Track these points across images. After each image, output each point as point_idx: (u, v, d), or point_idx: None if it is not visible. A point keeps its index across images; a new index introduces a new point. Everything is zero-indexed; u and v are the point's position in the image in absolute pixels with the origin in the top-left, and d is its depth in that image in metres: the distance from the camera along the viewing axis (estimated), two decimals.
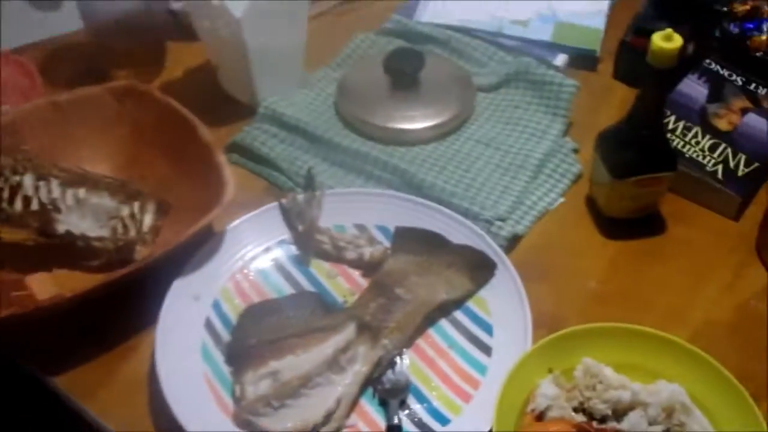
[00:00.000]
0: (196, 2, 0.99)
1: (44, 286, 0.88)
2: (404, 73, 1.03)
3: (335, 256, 0.88)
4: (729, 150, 0.94)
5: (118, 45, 1.11)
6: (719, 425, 0.70)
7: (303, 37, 1.05)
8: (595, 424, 0.70)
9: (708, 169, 0.92)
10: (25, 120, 0.96)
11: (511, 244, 0.89)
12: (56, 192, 0.91)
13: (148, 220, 0.92)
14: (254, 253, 0.88)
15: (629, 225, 0.91)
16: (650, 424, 0.69)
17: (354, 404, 0.75)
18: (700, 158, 0.93)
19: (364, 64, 1.10)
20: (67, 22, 1.16)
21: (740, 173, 0.92)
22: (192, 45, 1.09)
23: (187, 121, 0.94)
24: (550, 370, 0.74)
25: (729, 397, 0.70)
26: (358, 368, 0.76)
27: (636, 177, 0.85)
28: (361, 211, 0.91)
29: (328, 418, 0.73)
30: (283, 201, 0.91)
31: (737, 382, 0.70)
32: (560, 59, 1.11)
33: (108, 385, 0.79)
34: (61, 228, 0.89)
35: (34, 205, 0.89)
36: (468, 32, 1.14)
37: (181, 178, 0.93)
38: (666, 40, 0.77)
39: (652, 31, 0.79)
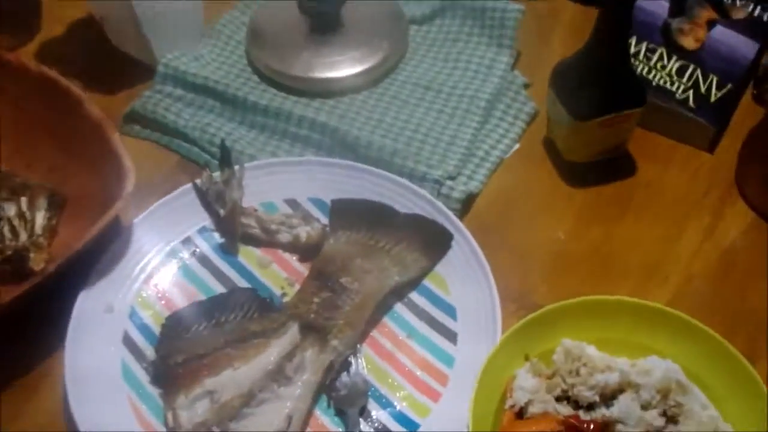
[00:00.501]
0: None
1: None
2: (323, 12, 0.93)
3: (266, 241, 0.80)
4: (698, 72, 0.87)
5: None
6: (720, 401, 0.65)
7: None
8: (581, 413, 0.65)
9: (678, 97, 0.86)
10: None
11: (466, 205, 0.82)
12: None
13: (40, 218, 0.82)
14: (171, 247, 0.79)
15: (595, 169, 0.85)
16: (644, 407, 0.64)
17: (307, 419, 0.69)
18: (668, 85, 0.86)
19: (276, 3, 0.99)
20: None
21: (713, 98, 0.86)
22: None
23: (70, 94, 0.83)
24: (527, 357, 0.68)
25: (727, 368, 0.65)
26: (308, 377, 0.69)
27: (601, 117, 0.78)
28: (290, 183, 0.82)
29: None
30: (198, 181, 0.81)
31: (735, 350, 0.65)
32: None
33: (19, 424, 0.70)
34: None
35: None
36: None
37: (74, 165, 0.83)
38: None
39: None
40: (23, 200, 0.82)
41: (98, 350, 0.72)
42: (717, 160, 0.86)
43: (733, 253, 0.79)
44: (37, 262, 0.78)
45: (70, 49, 1.01)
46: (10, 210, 0.82)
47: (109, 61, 0.97)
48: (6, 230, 0.81)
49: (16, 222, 0.81)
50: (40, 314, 0.73)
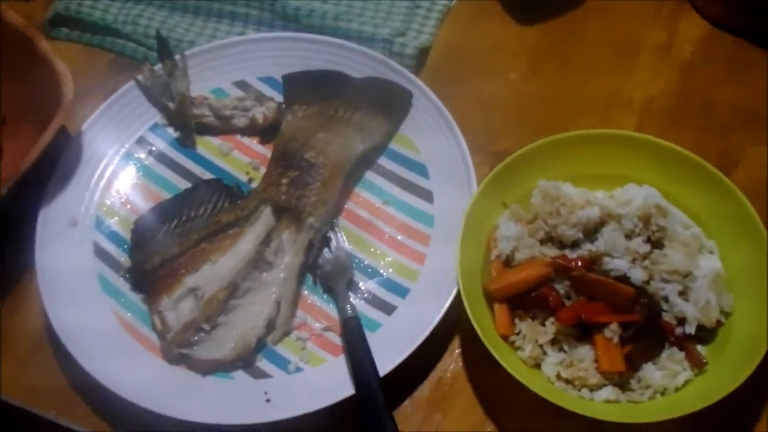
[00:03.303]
0: None
1: None
2: None
3: (223, 128, 0.71)
4: None
5: None
6: (698, 217, 0.60)
7: None
8: (567, 252, 0.60)
9: None
10: None
11: (420, 60, 0.73)
12: None
13: None
14: (126, 150, 0.71)
15: (543, 2, 0.76)
16: (627, 236, 0.59)
17: (296, 300, 0.62)
18: None
19: None
20: None
21: None
22: None
23: None
24: (505, 205, 0.62)
25: (702, 184, 0.60)
26: (289, 259, 0.62)
27: None
28: (237, 65, 0.74)
29: (270, 325, 0.61)
30: (140, 78, 0.71)
31: (707, 163, 0.59)
32: None
33: (3, 354, 0.63)
34: None
35: None
36: None
37: (5, 81, 0.72)
38: None
39: None
40: None
41: (71, 266, 0.64)
42: None
43: (693, 67, 0.73)
44: None
45: None
46: None
47: None
48: None
49: None
50: (3, 242, 0.65)
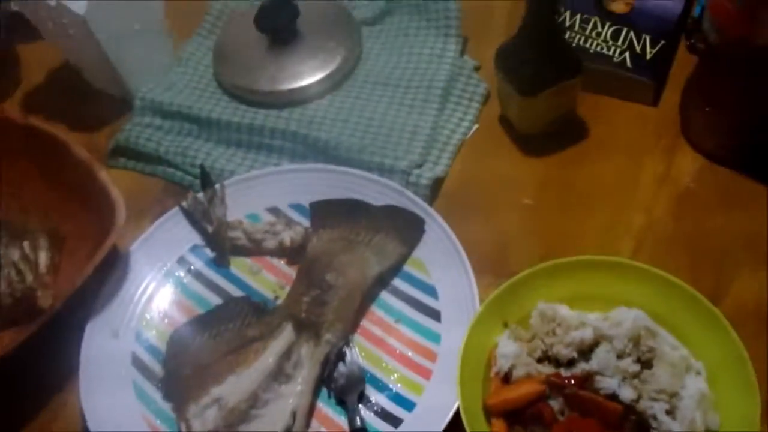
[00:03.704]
0: (32, 3, 0.83)
1: None
2: (279, 27, 0.90)
3: (254, 249, 0.78)
4: (632, 33, 0.85)
5: None
6: (686, 338, 0.63)
7: (161, 12, 0.91)
8: (562, 370, 0.63)
9: (615, 60, 0.83)
10: None
11: (434, 190, 0.80)
12: None
13: (43, 258, 0.80)
14: (167, 268, 0.77)
15: (550, 137, 0.82)
16: (619, 356, 0.62)
17: (311, 412, 0.67)
18: (605, 50, 0.84)
19: (235, 24, 0.96)
20: None
21: (648, 56, 0.83)
22: (49, 44, 0.93)
23: (57, 141, 0.81)
24: (506, 324, 0.66)
25: (690, 308, 0.64)
26: (306, 372, 0.67)
27: (545, 90, 0.76)
28: (270, 193, 0.80)
29: None
30: (184, 204, 0.79)
31: (694, 291, 0.63)
32: None
33: None
34: None
35: None
36: None
37: (67, 204, 0.81)
38: None
39: None
40: (25, 243, 0.80)
41: (110, 375, 0.70)
42: (661, 112, 0.83)
43: (689, 196, 0.77)
44: (44, 299, 0.76)
45: (52, 95, 0.98)
46: (14, 255, 0.80)
47: (90, 100, 0.95)
48: (13, 274, 0.79)
49: (21, 265, 0.79)
50: (51, 349, 0.71)
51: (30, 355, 0.69)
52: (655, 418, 0.59)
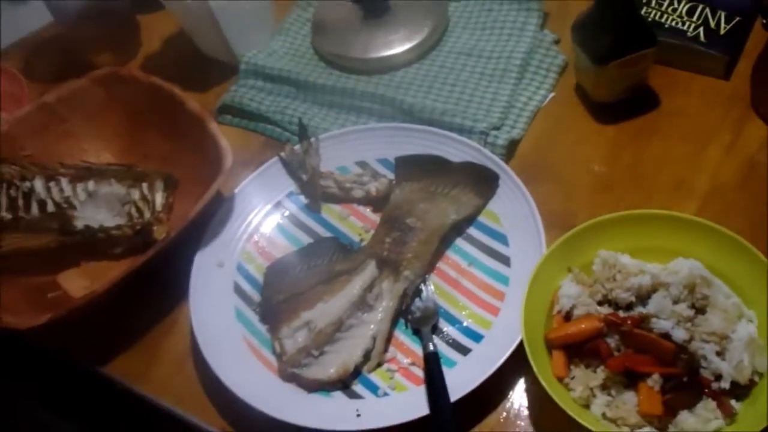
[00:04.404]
0: None
1: (76, 281, 0.86)
2: (371, 1, 0.96)
3: (343, 197, 0.85)
4: (707, 10, 0.87)
5: (91, 30, 1.05)
6: (741, 290, 0.67)
7: None
8: (621, 313, 0.67)
9: (689, 34, 0.86)
10: (21, 127, 0.92)
11: (510, 150, 0.85)
12: (67, 190, 0.88)
13: (159, 198, 0.89)
14: (266, 211, 0.85)
15: (622, 106, 0.86)
16: (674, 302, 0.66)
17: (389, 338, 0.73)
18: (679, 25, 0.87)
19: None
20: (37, 17, 1.10)
21: (722, 31, 0.85)
22: (165, 13, 1.02)
23: (174, 96, 0.89)
24: (569, 269, 0.71)
25: (745, 262, 0.67)
26: (386, 303, 0.74)
27: (618, 60, 0.79)
28: (359, 148, 0.87)
29: (367, 356, 0.72)
30: (282, 154, 0.87)
31: (750, 245, 0.66)
32: None
33: (156, 364, 0.78)
34: (79, 224, 0.86)
35: (50, 207, 0.86)
36: None
37: (181, 152, 0.89)
38: None
39: None
40: (144, 185, 0.89)
41: (215, 299, 0.78)
42: (733, 86, 0.86)
43: (753, 165, 0.79)
44: (159, 233, 0.85)
45: (167, 60, 1.08)
46: (135, 194, 0.89)
47: (200, 65, 1.03)
48: (133, 211, 0.88)
49: (140, 204, 0.88)
50: (167, 272, 0.79)
51: (148, 280, 0.78)
52: (705, 358, 0.63)
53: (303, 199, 0.85)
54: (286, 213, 0.84)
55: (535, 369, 0.63)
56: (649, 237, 0.71)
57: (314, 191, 0.84)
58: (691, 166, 0.80)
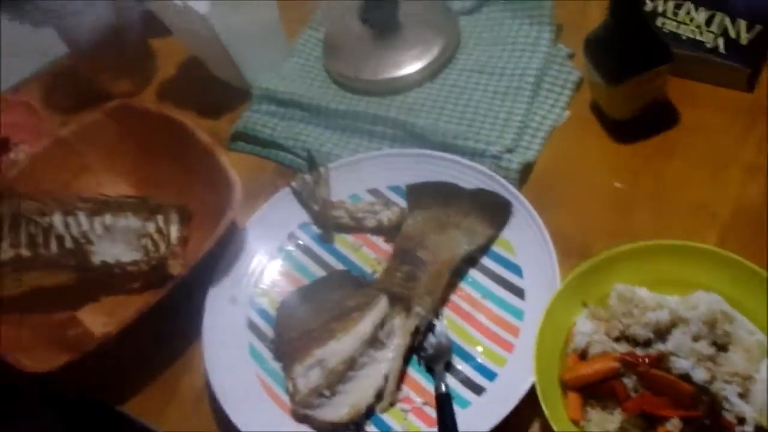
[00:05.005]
0: (161, 3, 0.91)
1: (95, 316, 0.86)
2: (382, 21, 0.93)
3: (355, 227, 0.82)
4: (727, 19, 0.82)
5: (107, 58, 1.04)
6: (765, 326, 0.63)
7: (275, 10, 0.96)
8: (638, 350, 0.64)
9: (708, 45, 0.81)
10: (39, 163, 0.92)
11: (524, 173, 0.81)
12: (85, 224, 0.87)
13: (174, 231, 0.88)
14: (279, 242, 0.83)
15: (640, 122, 0.82)
16: (694, 339, 0.63)
17: (401, 377, 0.71)
18: (698, 36, 0.82)
19: (343, 18, 1.00)
20: (53, 47, 1.09)
21: (743, 41, 0.81)
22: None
23: (184, 128, 0.88)
24: (585, 304, 0.68)
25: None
26: (398, 341, 0.71)
27: (631, 78, 0.75)
28: (371, 175, 0.84)
29: (379, 395, 0.70)
30: (293, 184, 0.85)
31: None
32: None
33: (174, 402, 0.77)
34: (96, 260, 0.85)
35: (68, 243, 0.86)
36: None
37: (194, 183, 0.88)
38: None
39: None
40: (159, 218, 0.88)
41: (228, 336, 0.77)
42: (756, 99, 0.81)
43: None
44: (174, 267, 0.84)
45: (183, 84, 1.06)
46: (151, 227, 0.88)
47: (214, 90, 1.02)
48: (149, 244, 0.87)
49: (156, 237, 0.87)
50: (179, 311, 0.78)
51: (160, 316, 0.76)
52: (727, 399, 0.59)
53: (315, 229, 0.83)
54: (299, 244, 0.83)
55: (547, 415, 0.60)
56: (668, 268, 0.67)
57: (326, 222, 0.82)
58: (713, 188, 0.76)
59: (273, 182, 0.90)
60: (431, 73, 0.93)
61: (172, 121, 0.89)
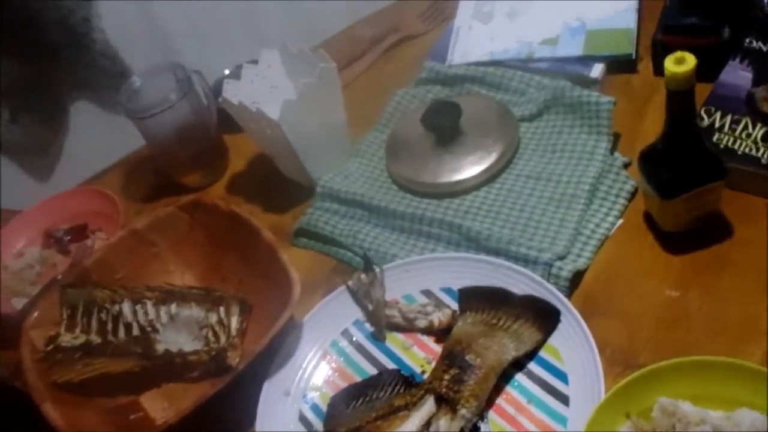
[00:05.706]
0: (237, 106, 1.03)
1: (156, 402, 0.94)
2: (443, 127, 1.03)
3: (407, 327, 0.90)
4: None
5: (182, 152, 1.17)
6: None
7: (342, 114, 1.07)
8: None
9: (764, 162, 0.87)
10: (113, 252, 1.03)
11: (574, 281, 0.87)
12: (151, 313, 0.97)
13: (234, 323, 0.97)
14: (333, 338, 0.91)
15: (693, 234, 0.87)
16: None
17: None
18: (753, 152, 0.88)
19: (406, 121, 1.11)
20: (132, 140, 1.23)
21: None
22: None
23: (250, 225, 0.98)
24: (628, 415, 0.72)
25: None
26: None
27: (684, 194, 0.82)
28: (425, 277, 0.92)
29: None
30: (350, 283, 0.93)
31: None
32: (597, 70, 1.08)
33: None
34: (160, 348, 0.94)
35: (135, 330, 0.96)
36: (501, 64, 1.13)
37: (255, 278, 0.97)
38: (678, 64, 0.74)
39: (681, 28, 0.78)
40: (221, 309, 0.98)
41: (280, 428, 0.84)
42: None
43: None
44: (233, 358, 0.92)
45: (252, 179, 1.18)
46: (213, 318, 0.97)
47: (281, 185, 1.12)
48: (210, 335, 0.96)
49: (217, 327, 0.96)
50: (234, 402, 0.86)
51: (217, 407, 0.84)
52: None
53: (368, 327, 0.91)
54: (353, 341, 0.90)
55: None
56: (713, 384, 0.72)
57: (379, 321, 0.90)
58: (762, 303, 0.80)
59: (331, 279, 0.98)
60: (489, 177, 1.01)
61: (240, 218, 0.99)
